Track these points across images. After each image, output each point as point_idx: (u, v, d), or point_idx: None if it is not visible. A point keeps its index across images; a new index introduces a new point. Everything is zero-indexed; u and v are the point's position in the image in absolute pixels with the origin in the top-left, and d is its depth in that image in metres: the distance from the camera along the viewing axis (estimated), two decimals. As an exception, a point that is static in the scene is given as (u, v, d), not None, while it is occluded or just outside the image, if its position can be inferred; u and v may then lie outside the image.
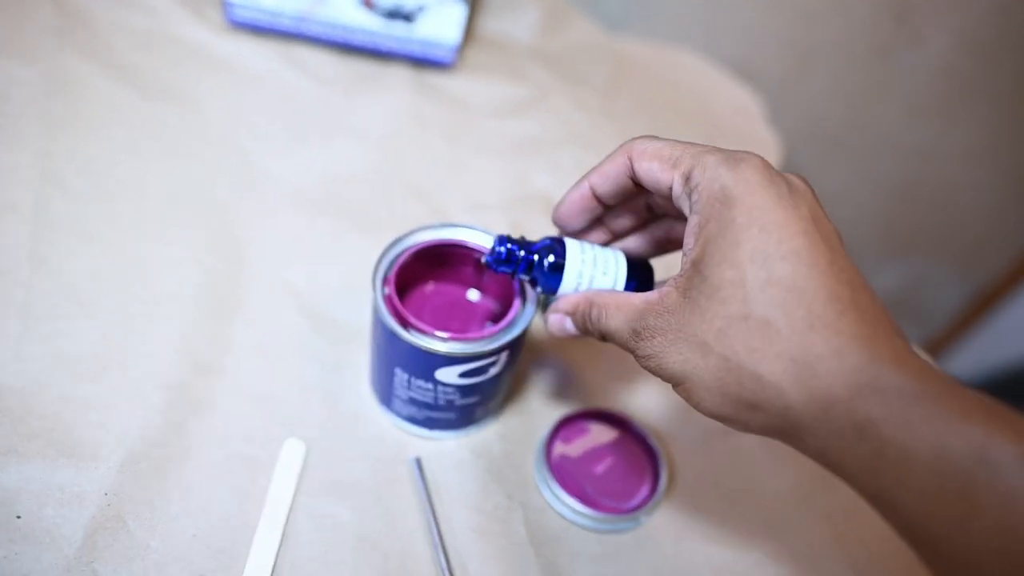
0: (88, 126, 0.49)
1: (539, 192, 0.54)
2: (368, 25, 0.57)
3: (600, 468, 0.40)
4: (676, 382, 0.28)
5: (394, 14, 0.56)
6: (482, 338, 0.34)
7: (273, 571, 0.34)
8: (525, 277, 0.34)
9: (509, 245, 0.33)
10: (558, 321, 0.33)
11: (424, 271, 0.39)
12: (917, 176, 0.91)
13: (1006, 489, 0.21)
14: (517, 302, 0.36)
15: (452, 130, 0.57)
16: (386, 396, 0.39)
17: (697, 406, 0.27)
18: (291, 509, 0.36)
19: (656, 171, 0.29)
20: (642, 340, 0.29)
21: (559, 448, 0.41)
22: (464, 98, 0.59)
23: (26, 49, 0.51)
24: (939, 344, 1.06)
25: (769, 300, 0.25)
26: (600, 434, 0.42)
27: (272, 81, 0.56)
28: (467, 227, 0.38)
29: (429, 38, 0.57)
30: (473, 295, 0.41)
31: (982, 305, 1.00)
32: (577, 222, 0.34)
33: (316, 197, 0.50)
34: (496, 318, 0.40)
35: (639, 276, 0.34)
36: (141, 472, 0.35)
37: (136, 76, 0.53)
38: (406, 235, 0.37)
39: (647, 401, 0.44)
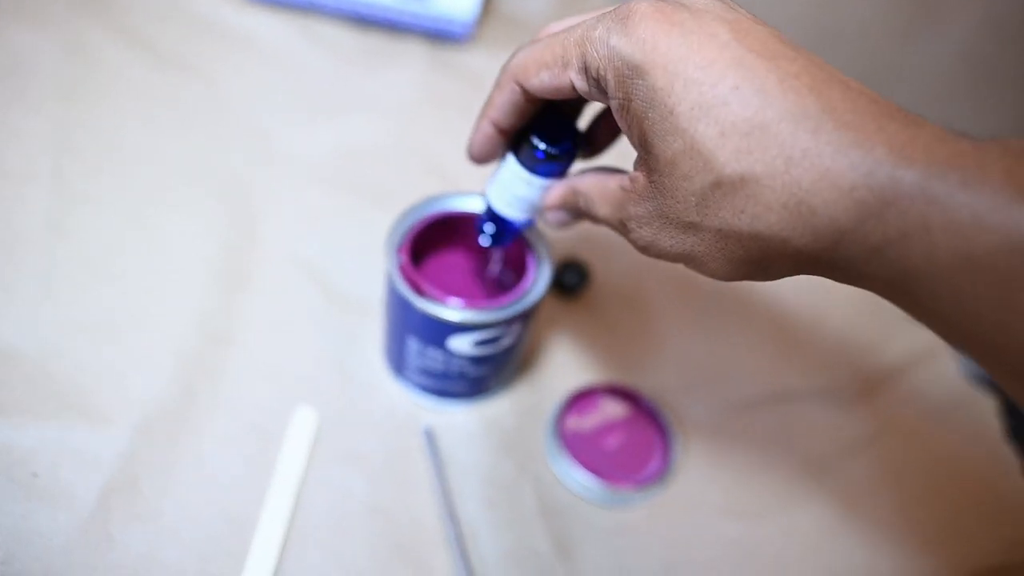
0: (103, 96, 0.49)
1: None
2: (384, -1, 0.56)
3: (611, 443, 0.40)
4: (682, 262, 0.26)
5: (410, -12, 0.56)
6: (495, 307, 0.34)
7: (285, 537, 0.34)
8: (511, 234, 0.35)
9: (488, 223, 0.35)
10: (553, 217, 0.32)
11: (439, 240, 0.39)
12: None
13: None
14: (531, 273, 0.36)
15: (467, 105, 0.56)
16: (398, 366, 0.39)
17: (712, 276, 0.26)
18: (304, 477, 0.36)
19: (550, 80, 0.26)
20: (632, 232, 0.27)
21: (571, 422, 0.41)
22: (480, 73, 0.59)
23: (43, 17, 0.51)
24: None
25: (732, 155, 0.22)
26: (612, 409, 0.42)
27: (287, 54, 0.56)
28: (483, 197, 0.37)
29: (445, 13, 0.57)
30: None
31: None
32: (494, 158, 0.32)
33: (330, 171, 0.50)
34: (509, 289, 0.40)
35: (541, 151, 0.30)
36: (155, 437, 0.36)
37: (152, 47, 0.53)
38: (421, 204, 0.37)
39: (659, 377, 0.44)
